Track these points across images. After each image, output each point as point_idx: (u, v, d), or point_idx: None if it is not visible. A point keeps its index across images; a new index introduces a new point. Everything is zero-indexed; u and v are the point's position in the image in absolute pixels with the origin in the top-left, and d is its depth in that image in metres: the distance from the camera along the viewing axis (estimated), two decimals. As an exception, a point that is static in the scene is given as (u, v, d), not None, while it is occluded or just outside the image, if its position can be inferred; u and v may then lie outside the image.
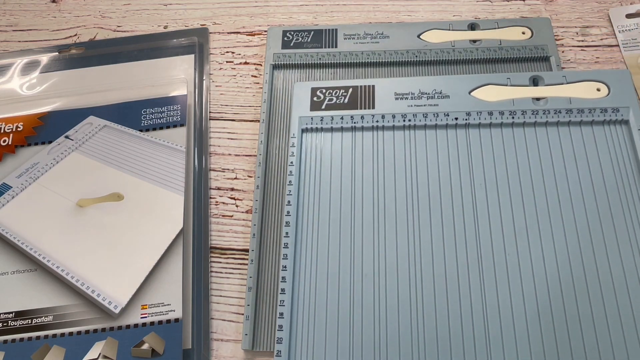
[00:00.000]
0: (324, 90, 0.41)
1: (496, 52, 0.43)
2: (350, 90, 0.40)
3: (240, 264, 0.39)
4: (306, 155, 0.39)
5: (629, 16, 0.46)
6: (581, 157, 0.37)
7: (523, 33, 0.44)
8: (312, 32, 0.46)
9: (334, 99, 0.40)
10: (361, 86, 0.41)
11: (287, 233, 0.36)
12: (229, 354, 0.36)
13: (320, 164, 0.38)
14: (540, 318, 0.32)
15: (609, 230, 0.34)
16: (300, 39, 0.46)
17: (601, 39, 0.46)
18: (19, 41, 0.52)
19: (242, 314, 0.37)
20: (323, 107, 0.40)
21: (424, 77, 0.41)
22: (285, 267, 0.35)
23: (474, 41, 0.44)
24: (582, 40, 0.46)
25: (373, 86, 0.40)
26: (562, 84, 0.39)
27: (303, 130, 0.40)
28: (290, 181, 0.38)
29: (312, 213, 0.37)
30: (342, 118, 0.39)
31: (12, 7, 0.54)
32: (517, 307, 0.33)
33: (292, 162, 0.38)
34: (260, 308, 0.37)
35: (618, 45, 0.45)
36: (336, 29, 0.46)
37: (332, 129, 0.39)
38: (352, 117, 0.39)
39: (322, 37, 0.46)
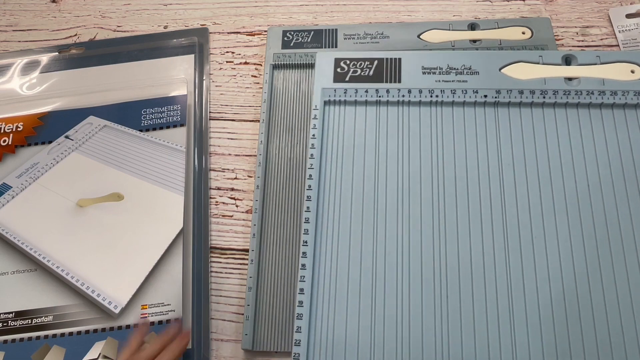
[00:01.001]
0: (347, 62, 0.39)
1: (496, 52, 0.43)
2: (376, 62, 0.39)
3: (240, 264, 0.39)
4: (328, 129, 0.38)
5: (629, 16, 0.46)
6: (612, 140, 0.36)
7: (523, 33, 0.44)
8: (312, 32, 0.46)
9: (359, 70, 0.39)
10: (387, 59, 0.39)
11: (308, 208, 0.35)
12: (229, 354, 0.36)
13: (342, 138, 0.37)
14: (565, 300, 0.32)
15: (638, 215, 0.33)
16: (300, 39, 0.46)
17: (601, 39, 0.46)
18: (19, 41, 0.52)
19: (242, 314, 0.37)
20: (347, 78, 0.39)
21: (453, 52, 0.40)
22: (306, 242, 0.34)
23: (474, 41, 0.44)
24: (582, 40, 0.46)
25: (399, 59, 0.39)
26: (596, 64, 0.38)
27: (325, 103, 0.38)
28: (312, 154, 0.36)
29: (333, 189, 0.36)
30: (366, 91, 0.38)
31: (12, 7, 0.54)
32: (543, 288, 0.32)
33: (314, 135, 0.37)
34: (260, 308, 0.37)
35: (618, 45, 0.45)
36: (336, 29, 0.46)
37: (355, 102, 0.38)
38: (377, 90, 0.38)
39: (322, 37, 0.46)
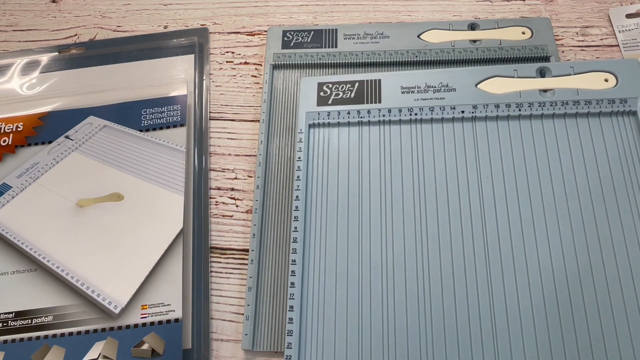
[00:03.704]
0: (330, 85, 0.41)
1: (496, 52, 0.43)
2: (357, 84, 0.40)
3: (240, 264, 0.39)
4: (313, 151, 0.39)
5: (629, 16, 0.46)
6: (588, 149, 0.36)
7: (523, 33, 0.44)
8: (312, 32, 0.46)
9: (341, 93, 0.40)
10: (367, 80, 0.40)
11: (295, 228, 0.36)
12: (229, 354, 0.36)
13: (327, 159, 0.38)
14: (546, 310, 0.32)
15: (616, 222, 0.34)
16: (300, 39, 0.46)
17: (601, 39, 0.46)
18: (19, 41, 0.52)
19: (242, 314, 0.37)
20: (330, 102, 0.40)
21: (430, 70, 0.41)
22: (294, 261, 0.35)
23: (474, 41, 0.44)
24: (582, 40, 0.46)
25: (379, 80, 0.40)
26: (570, 75, 0.38)
27: (310, 126, 0.40)
28: (298, 176, 0.38)
29: (320, 208, 0.37)
30: (348, 113, 0.39)
31: (12, 7, 0.54)
32: (524, 299, 0.33)
33: (299, 158, 0.38)
34: (260, 308, 0.37)
35: (618, 45, 0.45)
36: (336, 29, 0.46)
37: (339, 124, 0.39)
38: (358, 111, 0.39)
39: (322, 37, 0.46)
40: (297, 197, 0.37)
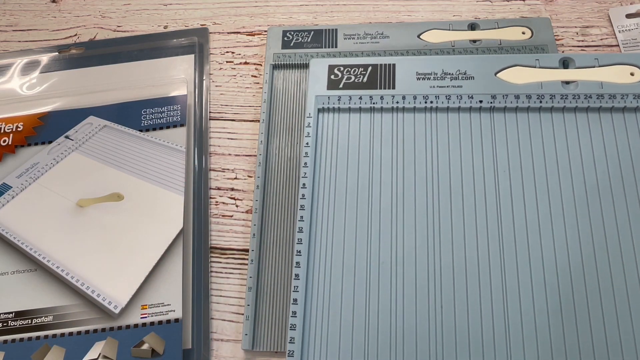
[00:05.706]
0: (341, 68, 0.39)
1: (496, 52, 0.43)
2: (370, 68, 0.39)
3: (240, 264, 0.39)
4: (322, 137, 0.37)
5: (629, 16, 0.46)
6: (610, 145, 0.35)
7: (523, 33, 0.44)
8: (312, 32, 0.46)
9: (352, 77, 0.39)
10: (381, 64, 0.39)
11: (302, 217, 0.35)
12: (229, 354, 0.36)
13: (336, 146, 0.37)
14: (562, 309, 0.31)
15: (637, 221, 0.33)
16: (300, 39, 0.46)
17: (601, 39, 0.46)
18: (19, 41, 0.52)
19: (242, 314, 0.37)
20: (341, 85, 0.38)
21: (448, 57, 0.39)
22: (299, 252, 0.34)
23: (474, 41, 0.44)
24: (582, 40, 0.46)
25: (394, 65, 0.39)
26: (594, 67, 0.37)
27: (319, 110, 0.38)
28: (305, 163, 0.36)
29: (327, 198, 0.36)
30: (360, 98, 0.38)
31: (12, 7, 0.54)
32: (539, 298, 0.32)
33: (307, 143, 0.37)
34: (260, 308, 0.37)
35: (618, 45, 0.45)
36: (336, 29, 0.46)
37: (349, 109, 0.38)
38: (371, 97, 0.38)
39: (322, 37, 0.46)
40: (303, 184, 0.36)
